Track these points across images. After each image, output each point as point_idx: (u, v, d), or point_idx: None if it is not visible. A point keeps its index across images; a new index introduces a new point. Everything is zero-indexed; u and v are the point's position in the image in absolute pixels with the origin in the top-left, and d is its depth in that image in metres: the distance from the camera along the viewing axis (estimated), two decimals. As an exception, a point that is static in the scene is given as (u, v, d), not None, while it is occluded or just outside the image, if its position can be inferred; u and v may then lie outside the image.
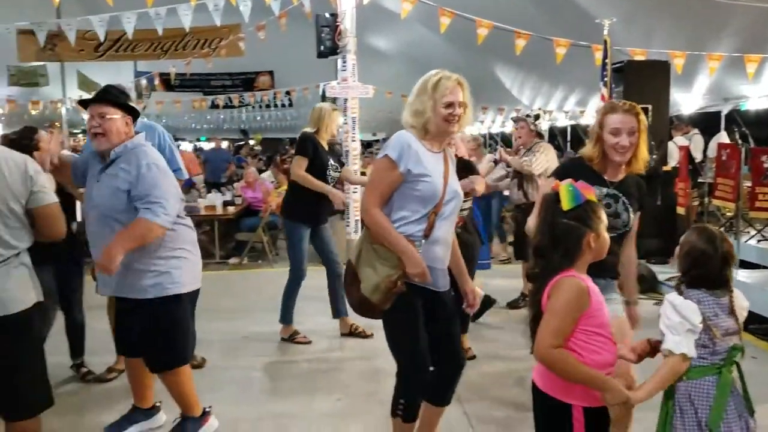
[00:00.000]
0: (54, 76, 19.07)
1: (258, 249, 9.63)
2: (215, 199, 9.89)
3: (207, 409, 3.86)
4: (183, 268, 3.60)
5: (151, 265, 3.48)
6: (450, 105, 2.96)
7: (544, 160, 6.22)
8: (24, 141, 4.18)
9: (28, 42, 14.01)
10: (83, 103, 3.56)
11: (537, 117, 6.51)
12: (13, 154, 2.88)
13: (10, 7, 14.15)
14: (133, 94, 17.26)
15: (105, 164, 3.44)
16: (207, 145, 22.94)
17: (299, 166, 5.32)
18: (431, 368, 3.10)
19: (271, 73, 23.25)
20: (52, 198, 2.91)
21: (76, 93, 19.70)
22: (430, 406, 3.24)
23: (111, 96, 3.45)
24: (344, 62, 8.37)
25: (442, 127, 3.00)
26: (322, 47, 8.48)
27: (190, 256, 3.68)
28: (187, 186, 12.12)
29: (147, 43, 14.77)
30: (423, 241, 2.97)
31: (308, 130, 5.45)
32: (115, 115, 3.40)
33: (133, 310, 3.55)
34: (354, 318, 5.32)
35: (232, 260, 9.35)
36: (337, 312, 5.73)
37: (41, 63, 17.83)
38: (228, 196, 10.27)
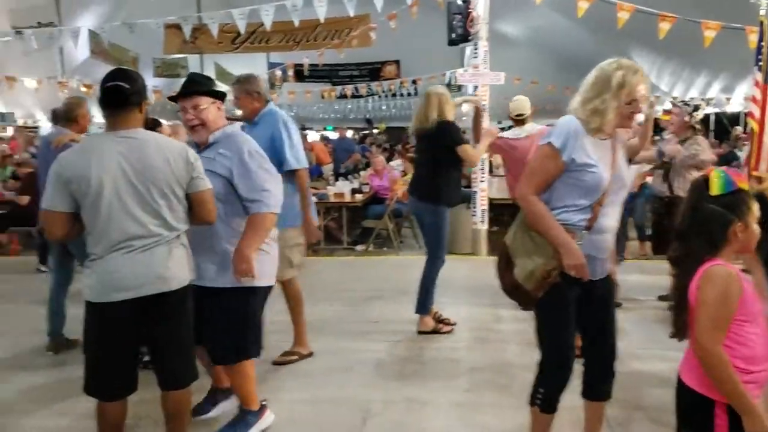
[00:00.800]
0: (193, 67, 20.12)
1: (383, 236, 9.76)
2: (344, 186, 10.11)
3: (264, 403, 3.84)
4: (261, 261, 3.46)
5: (231, 253, 3.39)
6: (634, 101, 2.79)
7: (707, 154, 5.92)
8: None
9: (173, 35, 14.88)
10: (173, 98, 3.57)
11: (696, 108, 6.08)
12: (173, 142, 3.07)
13: (158, 3, 15.01)
14: (266, 85, 17.96)
15: (200, 149, 3.42)
16: (333, 135, 23.45)
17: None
18: (583, 361, 3.03)
19: (397, 62, 23.41)
20: (208, 184, 3.07)
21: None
22: (588, 402, 3.17)
23: (199, 87, 3.46)
24: (475, 49, 8.28)
25: (622, 124, 2.86)
26: (453, 35, 8.43)
27: (270, 251, 3.60)
28: (315, 175, 12.46)
29: (280, 35, 15.32)
30: (584, 232, 2.87)
31: (435, 116, 5.34)
32: (208, 104, 3.42)
33: (204, 297, 3.40)
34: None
35: (359, 247, 9.53)
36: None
37: (183, 55, 18.90)
38: (355, 184, 10.47)
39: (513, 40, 21.17)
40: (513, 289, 2.99)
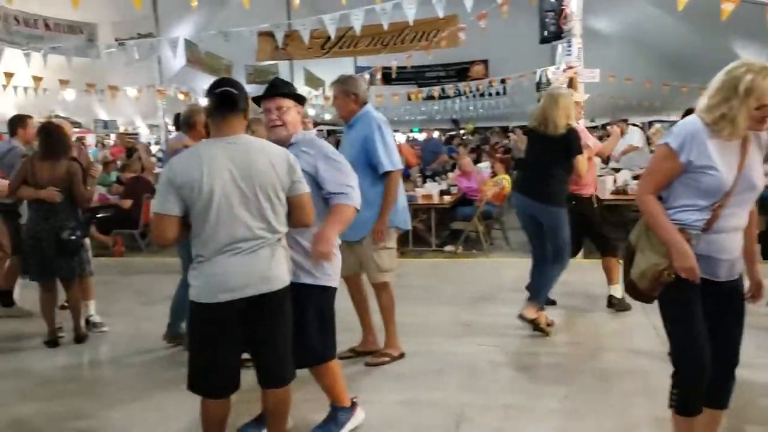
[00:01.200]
0: (283, 73, 20.62)
1: (472, 238, 9.67)
2: (432, 188, 10.08)
3: (354, 400, 3.83)
4: (332, 261, 3.51)
5: (305, 251, 3.44)
6: (764, 107, 2.66)
7: None
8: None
9: (265, 43, 15.27)
10: (256, 100, 3.66)
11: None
12: (275, 146, 3.14)
13: (251, 12, 15.44)
14: (365, 86, 18.21)
15: None
16: (420, 136, 23.47)
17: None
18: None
19: (485, 61, 23.24)
20: (307, 188, 3.14)
21: (302, 89, 21.19)
22: (705, 408, 3.03)
23: (282, 89, 3.60)
24: (569, 46, 8.09)
25: (751, 128, 2.75)
26: (545, 32, 8.28)
27: (337, 252, 3.60)
28: (404, 176, 12.47)
29: (368, 38, 15.46)
30: (699, 233, 2.79)
31: (564, 122, 5.25)
32: (290, 106, 3.54)
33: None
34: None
35: (448, 248, 9.47)
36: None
37: (274, 62, 19.38)
38: (443, 186, 10.42)
39: (606, 36, 20.58)
40: (628, 287, 3.03)
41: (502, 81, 17.84)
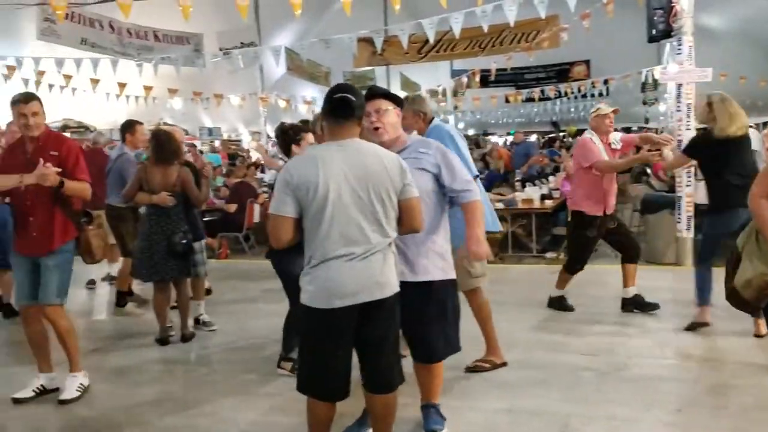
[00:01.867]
0: (380, 78, 20.78)
1: (575, 244, 9.39)
2: (533, 192, 9.87)
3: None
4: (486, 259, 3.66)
5: (439, 247, 3.58)
6: None
7: None
8: (291, 132, 4.76)
9: (363, 49, 15.44)
10: None
11: None
12: (385, 150, 3.16)
13: (349, 19, 15.67)
14: (449, 93, 18.01)
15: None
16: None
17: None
18: None
19: (587, 62, 22.63)
20: (417, 192, 3.12)
21: (399, 94, 21.32)
22: None
23: (381, 91, 3.65)
24: (679, 45, 7.73)
25: None
26: (653, 31, 7.95)
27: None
28: (499, 180, 12.29)
29: (466, 41, 15.35)
30: None
31: (732, 130, 5.10)
32: (389, 107, 3.54)
33: (416, 293, 3.46)
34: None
35: (549, 254, 9.25)
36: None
37: (371, 67, 19.57)
38: (544, 190, 10.19)
39: (717, 32, 19.60)
40: (731, 294, 2.88)
41: (605, 82, 17.31)
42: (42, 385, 4.61)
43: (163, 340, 5.76)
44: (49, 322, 4.49)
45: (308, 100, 19.26)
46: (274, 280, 4.85)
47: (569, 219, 6.16)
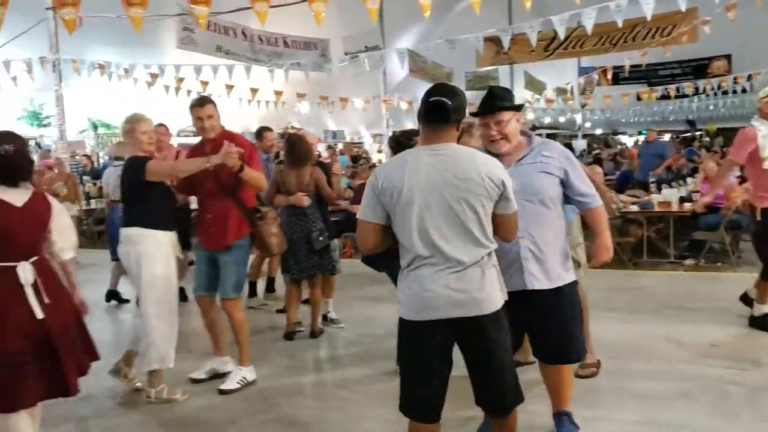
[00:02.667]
0: (503, 77, 20.48)
1: (716, 250, 8.81)
2: (670, 194, 9.34)
3: None
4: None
5: (566, 250, 3.55)
6: None
7: None
8: (403, 139, 4.63)
9: (487, 48, 15.27)
10: (475, 114, 3.52)
11: None
12: (487, 156, 2.95)
13: (471, 19, 15.56)
14: (576, 91, 17.44)
15: (503, 160, 3.32)
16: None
17: None
18: None
19: (728, 56, 21.25)
20: (515, 206, 2.91)
21: (523, 93, 20.91)
22: None
23: (499, 102, 3.41)
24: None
25: None
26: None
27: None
28: (632, 181, 11.72)
29: (596, 38, 14.81)
30: None
31: None
32: (509, 118, 3.39)
33: (548, 299, 3.42)
34: None
35: (688, 261, 8.72)
36: None
37: (493, 67, 19.33)
38: (683, 192, 9.63)
39: None
40: None
41: (749, 77, 16.16)
42: (213, 368, 4.95)
43: (289, 335, 5.91)
44: (226, 314, 4.78)
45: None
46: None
47: (759, 218, 5.48)
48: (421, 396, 2.89)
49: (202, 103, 4.67)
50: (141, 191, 4.45)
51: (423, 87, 21.35)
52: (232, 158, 4.38)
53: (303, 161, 5.86)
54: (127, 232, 4.51)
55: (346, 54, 15.97)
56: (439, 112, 2.83)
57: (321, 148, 19.72)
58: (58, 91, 12.90)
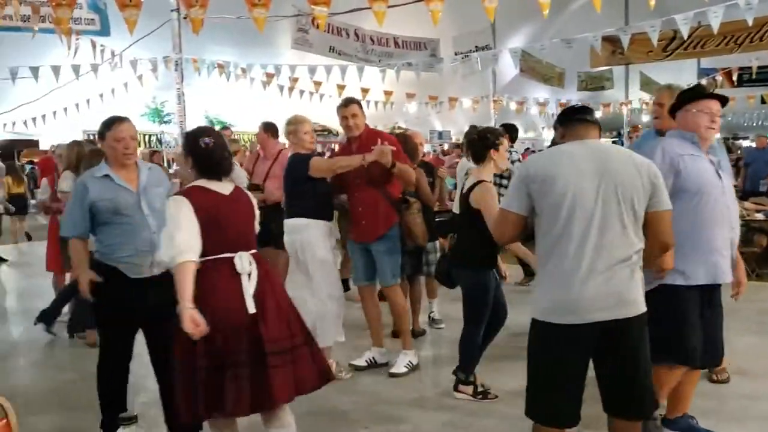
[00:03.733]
0: (618, 78, 19.81)
1: None
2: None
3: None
4: None
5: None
6: None
7: None
8: (490, 136, 4.43)
9: (603, 48, 14.80)
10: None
11: None
12: (636, 154, 2.89)
13: (587, 18, 15.12)
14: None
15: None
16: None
17: None
18: None
19: None
20: (668, 204, 2.81)
21: (638, 94, 20.16)
22: None
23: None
24: None
25: None
26: None
27: None
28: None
29: (719, 37, 14.04)
30: None
31: None
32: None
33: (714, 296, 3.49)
34: None
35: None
36: None
37: (608, 67, 18.74)
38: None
39: None
40: None
41: None
42: (373, 357, 5.19)
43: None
44: (388, 301, 5.10)
45: (542, 102, 18.91)
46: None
47: None
48: (556, 402, 2.81)
49: (346, 103, 4.99)
50: (304, 185, 4.81)
51: (533, 87, 21.10)
52: (386, 156, 4.64)
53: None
54: (292, 222, 4.90)
55: (455, 54, 15.91)
56: (586, 111, 2.97)
57: (428, 148, 19.79)
58: (180, 89, 13.53)
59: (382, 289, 5.09)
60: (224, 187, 3.24)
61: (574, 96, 21.17)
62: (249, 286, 3.07)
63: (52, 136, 17.38)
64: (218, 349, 2.96)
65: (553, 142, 3.29)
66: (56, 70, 12.19)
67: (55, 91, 13.48)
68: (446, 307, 6.67)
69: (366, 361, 5.16)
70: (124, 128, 3.64)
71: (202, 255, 3.06)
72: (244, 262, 3.10)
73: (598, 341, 2.75)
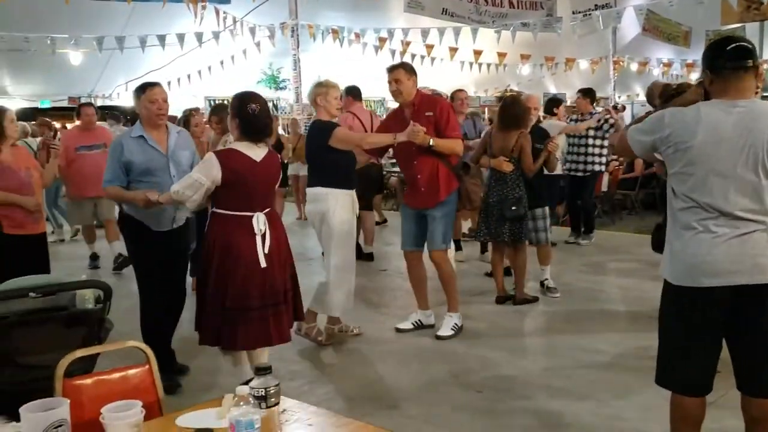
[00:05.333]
0: (751, 35, 18.43)
1: None
2: None
3: None
4: None
5: None
6: None
7: None
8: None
9: (738, 4, 13.81)
10: None
11: None
12: None
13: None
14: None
15: None
16: None
17: None
18: None
19: None
20: None
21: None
22: None
23: None
24: None
25: None
26: None
27: None
28: None
29: None
30: None
31: None
32: None
33: None
34: None
35: None
36: None
37: (740, 24, 17.46)
38: None
39: None
40: None
41: None
42: (419, 320, 5.28)
43: (499, 299, 5.96)
44: (435, 265, 5.07)
45: (666, 62, 17.93)
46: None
47: None
48: (692, 367, 2.74)
49: (391, 69, 4.94)
50: (324, 154, 4.76)
51: (656, 47, 20.03)
52: (418, 137, 4.57)
53: (510, 125, 5.74)
54: (312, 191, 4.89)
55: (573, 13, 15.28)
56: (747, 54, 2.63)
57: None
58: (296, 54, 13.85)
59: (431, 253, 5.04)
60: (258, 153, 3.66)
61: (700, 57, 19.96)
62: (263, 245, 3.64)
63: (176, 102, 18.21)
64: (238, 292, 3.60)
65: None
66: (181, 38, 12.74)
67: (180, 58, 14.08)
68: (570, 276, 6.61)
69: (412, 323, 5.24)
70: (157, 91, 4.12)
71: (225, 208, 3.65)
72: (260, 223, 3.65)
73: (734, 311, 2.64)
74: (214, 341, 3.78)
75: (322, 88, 4.85)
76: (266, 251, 3.67)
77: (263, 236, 3.67)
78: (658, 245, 4.50)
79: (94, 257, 7.97)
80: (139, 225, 4.15)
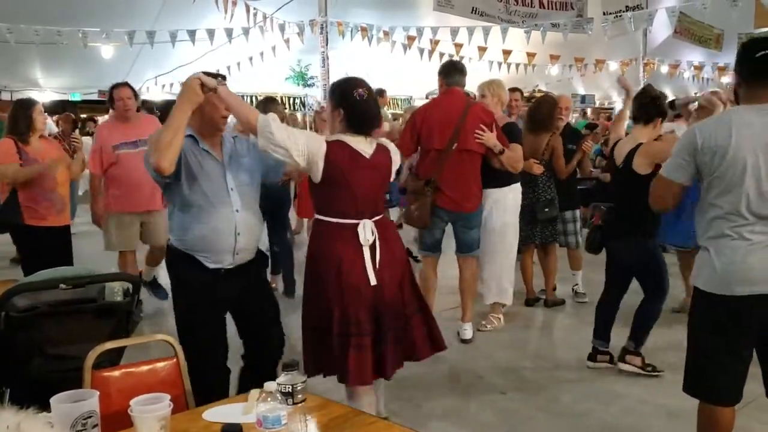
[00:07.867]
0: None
1: None
2: None
3: None
4: None
5: None
6: None
7: None
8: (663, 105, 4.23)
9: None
10: None
11: None
12: None
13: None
14: None
15: None
16: None
17: None
18: None
19: None
20: None
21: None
22: None
23: None
24: None
25: None
26: None
27: None
28: None
29: None
30: None
31: None
32: None
33: None
34: None
35: None
36: None
37: (772, 28, 17.13)
38: None
39: None
40: None
41: None
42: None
43: (528, 302, 5.97)
44: (467, 271, 5.08)
45: (697, 65, 17.65)
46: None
47: None
48: (723, 376, 2.70)
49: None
50: None
51: (687, 49, 19.72)
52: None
53: (540, 127, 5.68)
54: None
55: (604, 14, 15.12)
56: None
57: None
58: (324, 51, 13.85)
59: (466, 259, 5.02)
60: (367, 147, 3.08)
61: (733, 60, 19.62)
62: (371, 260, 3.00)
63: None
64: (347, 318, 2.97)
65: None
66: (211, 33, 12.80)
67: (209, 54, 14.16)
68: (601, 276, 6.53)
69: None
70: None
71: (326, 214, 3.06)
72: (367, 232, 3.01)
73: (766, 320, 2.60)
74: (315, 370, 3.13)
75: (497, 88, 5.27)
76: (377, 266, 3.01)
77: (372, 247, 3.03)
78: (592, 246, 4.57)
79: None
80: (187, 260, 2.99)
